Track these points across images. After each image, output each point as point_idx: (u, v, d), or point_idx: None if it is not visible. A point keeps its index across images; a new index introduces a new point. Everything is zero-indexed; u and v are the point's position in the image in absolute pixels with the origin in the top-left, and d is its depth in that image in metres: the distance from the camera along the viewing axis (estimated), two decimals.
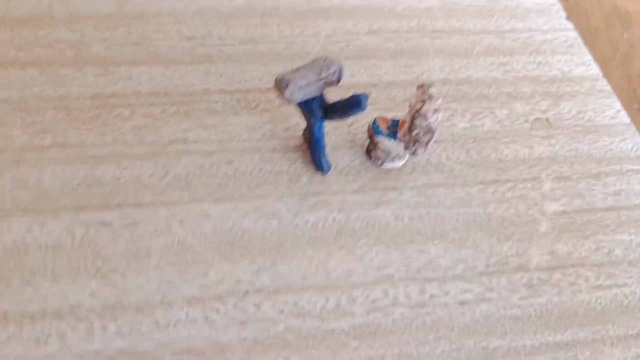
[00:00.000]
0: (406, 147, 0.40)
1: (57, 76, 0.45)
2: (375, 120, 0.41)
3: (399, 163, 0.43)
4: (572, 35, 0.56)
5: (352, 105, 0.38)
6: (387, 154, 0.41)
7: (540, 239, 0.40)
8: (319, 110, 0.39)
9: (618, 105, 0.50)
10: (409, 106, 0.39)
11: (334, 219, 0.40)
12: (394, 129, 0.40)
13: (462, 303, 0.37)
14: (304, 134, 0.43)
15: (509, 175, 0.44)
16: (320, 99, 0.39)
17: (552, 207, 0.42)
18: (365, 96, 0.38)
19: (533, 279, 0.38)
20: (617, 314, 0.37)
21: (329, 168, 0.42)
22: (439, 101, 0.37)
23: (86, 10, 0.51)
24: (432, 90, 0.37)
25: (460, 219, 0.41)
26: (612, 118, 0.49)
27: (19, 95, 0.44)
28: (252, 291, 0.36)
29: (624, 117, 0.49)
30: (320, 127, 0.41)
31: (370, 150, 0.43)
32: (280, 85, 0.37)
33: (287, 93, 0.37)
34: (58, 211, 0.38)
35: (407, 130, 0.39)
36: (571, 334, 0.36)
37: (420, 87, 0.38)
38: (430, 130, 0.38)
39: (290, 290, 0.36)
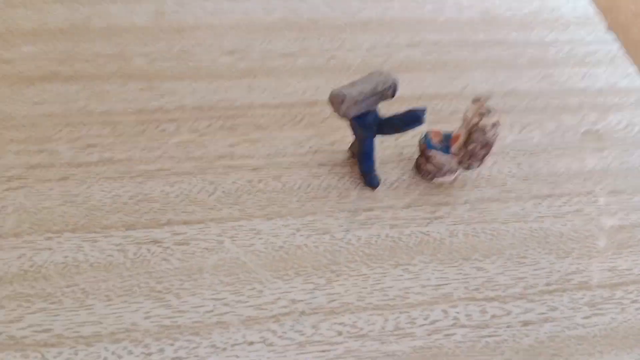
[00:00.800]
0: (460, 162, 0.39)
1: (100, 90, 0.45)
2: (427, 133, 0.40)
3: (451, 177, 0.42)
4: (615, 46, 0.55)
5: (410, 120, 0.37)
6: (440, 168, 0.40)
7: (599, 255, 0.39)
8: (373, 125, 0.38)
9: None
10: (464, 120, 0.38)
11: (386, 235, 0.39)
12: (446, 142, 0.40)
13: (525, 323, 0.36)
14: (351, 147, 0.42)
15: (563, 189, 0.43)
16: (374, 113, 0.38)
17: (609, 221, 0.41)
18: (423, 111, 0.37)
19: (595, 297, 0.37)
20: None
21: (379, 183, 0.41)
22: (497, 115, 0.36)
23: (124, 23, 0.50)
24: (490, 104, 0.37)
25: (516, 234, 0.40)
26: None
27: (63, 110, 0.43)
28: (308, 311, 0.35)
29: None
30: (372, 142, 0.40)
31: (420, 165, 0.42)
32: (337, 100, 0.36)
33: (343, 108, 0.36)
34: (108, 228, 0.37)
35: (462, 144, 0.38)
36: (638, 354, 0.35)
37: (477, 100, 0.37)
38: (487, 145, 0.37)
39: (347, 311, 0.35)
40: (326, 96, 0.47)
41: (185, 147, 0.42)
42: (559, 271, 0.38)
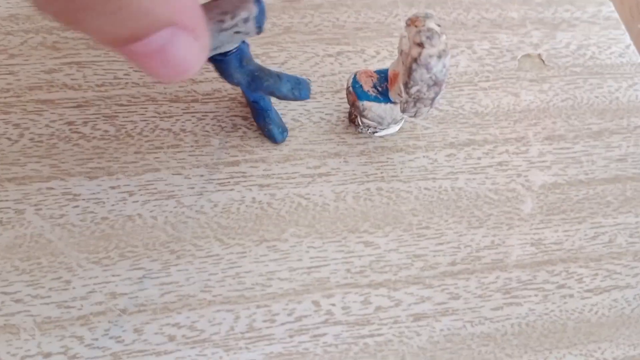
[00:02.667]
0: (404, 110, 0.28)
1: None
2: (355, 77, 0.29)
3: (396, 128, 0.32)
4: None
5: (292, 90, 0.26)
6: (380, 121, 0.30)
7: (523, 223, 0.31)
8: (237, 73, 0.27)
9: (627, 38, 0.39)
10: (400, 52, 0.27)
11: (253, 200, 0.30)
12: (382, 86, 0.29)
13: (417, 317, 0.28)
14: None
15: (487, 135, 0.34)
16: (238, 55, 0.26)
17: (540, 178, 0.33)
18: (308, 84, 0.26)
19: (511, 281, 0.29)
20: (616, 327, 0.29)
21: (283, 135, 0.31)
22: (444, 39, 0.25)
23: None
24: (432, 25, 0.25)
25: (420, 196, 0.31)
26: (620, 56, 0.38)
27: None
28: (132, 309, 0.26)
29: (634, 55, 0.38)
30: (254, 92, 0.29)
31: (354, 118, 0.31)
32: None
33: None
34: None
35: (403, 87, 0.27)
36: (556, 358, 0.28)
37: (413, 21, 0.26)
38: (436, 84, 0.26)
39: (187, 307, 0.27)
40: None
41: None
42: (468, 246, 0.30)
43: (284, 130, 0.31)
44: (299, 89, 0.28)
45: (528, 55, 0.37)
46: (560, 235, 0.31)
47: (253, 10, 0.22)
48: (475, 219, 0.31)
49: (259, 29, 0.23)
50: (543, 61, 0.37)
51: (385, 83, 0.29)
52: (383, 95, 0.29)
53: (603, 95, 0.37)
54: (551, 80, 0.37)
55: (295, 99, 0.28)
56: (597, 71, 0.37)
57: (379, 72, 0.29)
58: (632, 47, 0.39)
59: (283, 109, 0.32)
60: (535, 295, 0.29)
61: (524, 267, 0.30)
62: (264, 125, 0.31)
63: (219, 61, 0.26)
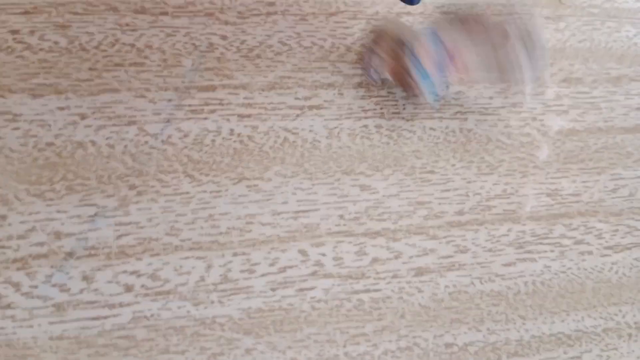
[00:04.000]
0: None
1: None
2: (413, 49, 0.25)
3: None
4: None
5: None
6: (418, 94, 0.26)
7: (538, 171, 0.27)
8: None
9: None
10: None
11: (231, 132, 0.25)
12: (441, 62, 0.25)
13: (419, 272, 0.24)
14: None
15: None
16: None
17: (556, 122, 0.29)
18: None
19: (525, 234, 0.26)
20: (638, 289, 0.26)
21: None
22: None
23: None
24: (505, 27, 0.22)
25: (425, 137, 0.27)
26: (638, 0, 0.35)
27: None
28: (80, 252, 0.22)
29: None
30: None
31: (406, 85, 0.26)
32: None
33: None
34: None
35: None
36: (574, 322, 0.24)
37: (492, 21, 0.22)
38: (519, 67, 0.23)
39: (147, 252, 0.22)
40: None
41: None
42: (477, 194, 0.26)
43: None
44: None
45: None
46: (578, 187, 0.28)
47: None
48: (485, 165, 0.27)
49: None
50: (560, 0, 0.33)
51: (444, 65, 0.25)
52: (441, 72, 0.25)
53: (621, 40, 0.33)
54: (567, 20, 0.33)
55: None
56: (615, 14, 0.34)
57: (435, 47, 0.25)
58: None
59: (269, 30, 0.28)
60: (552, 251, 0.26)
61: (539, 219, 0.26)
62: None
63: None
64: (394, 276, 0.24)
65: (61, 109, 0.24)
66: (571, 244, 0.26)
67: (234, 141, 0.25)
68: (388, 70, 0.26)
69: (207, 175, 0.24)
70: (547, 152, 0.28)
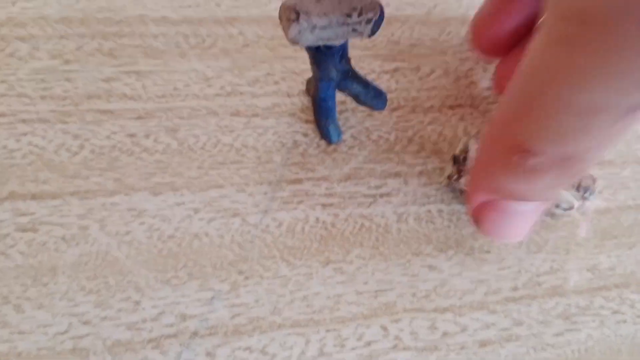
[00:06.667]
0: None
1: None
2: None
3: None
4: None
5: (374, 97, 0.27)
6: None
7: (579, 248, 0.31)
8: (332, 67, 0.27)
9: None
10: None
11: (317, 220, 0.29)
12: None
13: (483, 343, 0.28)
14: (308, 83, 0.31)
15: None
16: (340, 50, 0.26)
17: (593, 203, 0.33)
18: (385, 96, 0.27)
19: (570, 307, 0.30)
20: None
21: (339, 137, 0.31)
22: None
23: None
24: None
25: None
26: None
27: None
28: (203, 332, 0.26)
29: None
30: (330, 86, 0.29)
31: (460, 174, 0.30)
32: (287, 16, 0.23)
33: (293, 31, 0.23)
34: None
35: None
36: None
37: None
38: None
39: (257, 329, 0.26)
40: (249, 12, 0.35)
41: (42, 80, 0.30)
42: (528, 271, 0.30)
43: (340, 133, 0.31)
44: (379, 99, 0.29)
45: None
46: (613, 261, 0.32)
47: (377, 13, 0.23)
48: (533, 244, 0.31)
49: (373, 33, 0.24)
50: None
51: None
52: None
53: None
54: None
55: (372, 108, 0.29)
56: None
57: None
58: None
59: (342, 125, 0.32)
60: (593, 321, 0.30)
61: (582, 292, 0.30)
62: (324, 124, 0.31)
63: (322, 52, 0.26)
64: (462, 347, 0.28)
65: (178, 204, 0.28)
66: (609, 314, 0.30)
67: (320, 228, 0.29)
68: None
69: (300, 259, 0.28)
70: (586, 230, 0.32)
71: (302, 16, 0.23)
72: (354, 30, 0.24)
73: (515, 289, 0.30)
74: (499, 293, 0.29)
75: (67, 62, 0.31)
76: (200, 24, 0.33)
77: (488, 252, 0.30)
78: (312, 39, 0.24)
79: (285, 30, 0.24)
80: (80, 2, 0.33)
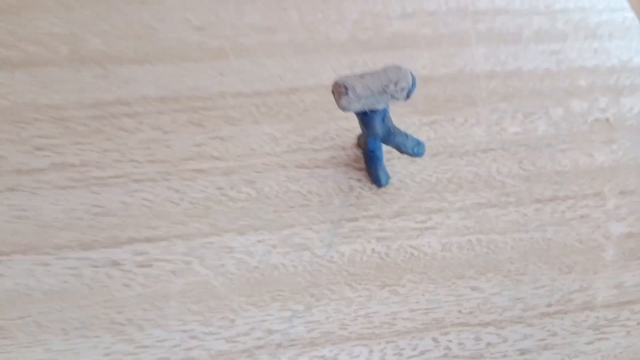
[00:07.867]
0: None
1: (48, 79, 0.40)
2: None
3: None
4: (630, 15, 0.49)
5: (413, 147, 0.33)
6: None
7: (605, 269, 0.36)
8: (377, 126, 0.34)
9: None
10: None
11: (372, 251, 0.35)
12: None
13: (523, 352, 0.32)
14: (359, 138, 0.38)
15: (568, 191, 0.39)
16: (382, 114, 0.33)
17: (617, 228, 0.37)
18: (424, 145, 0.33)
19: (599, 319, 0.34)
20: None
21: (387, 181, 0.37)
22: None
23: None
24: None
25: (516, 246, 0.36)
26: None
27: (9, 104, 0.38)
28: (285, 343, 0.32)
29: None
30: (376, 141, 0.35)
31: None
32: (338, 90, 0.30)
33: (344, 101, 0.30)
34: (62, 249, 0.33)
35: None
36: None
37: None
38: None
39: (329, 342, 0.32)
40: (307, 82, 0.42)
41: (147, 147, 0.38)
42: (560, 289, 0.35)
43: (388, 177, 0.37)
44: (418, 147, 0.34)
45: (597, 120, 0.43)
46: (637, 279, 0.36)
47: (410, 82, 0.30)
48: (564, 266, 0.36)
49: (408, 97, 0.31)
50: (611, 124, 0.42)
51: None
52: None
53: None
54: (619, 141, 0.42)
55: (413, 155, 0.35)
56: None
57: None
58: None
59: (390, 171, 0.38)
60: (620, 331, 0.34)
61: (609, 306, 0.35)
62: (374, 171, 0.37)
63: (367, 115, 0.33)
64: (504, 356, 0.32)
65: (259, 241, 0.35)
66: (635, 324, 0.34)
67: (376, 257, 0.35)
68: None
69: (360, 284, 0.34)
70: (612, 253, 0.37)
71: (350, 90, 0.30)
72: (392, 97, 0.31)
73: (549, 305, 0.34)
74: (535, 309, 0.34)
75: (165, 132, 0.39)
76: (268, 95, 0.41)
77: (524, 274, 0.35)
78: (358, 106, 0.31)
79: (337, 101, 0.31)
80: (172, 84, 0.41)
